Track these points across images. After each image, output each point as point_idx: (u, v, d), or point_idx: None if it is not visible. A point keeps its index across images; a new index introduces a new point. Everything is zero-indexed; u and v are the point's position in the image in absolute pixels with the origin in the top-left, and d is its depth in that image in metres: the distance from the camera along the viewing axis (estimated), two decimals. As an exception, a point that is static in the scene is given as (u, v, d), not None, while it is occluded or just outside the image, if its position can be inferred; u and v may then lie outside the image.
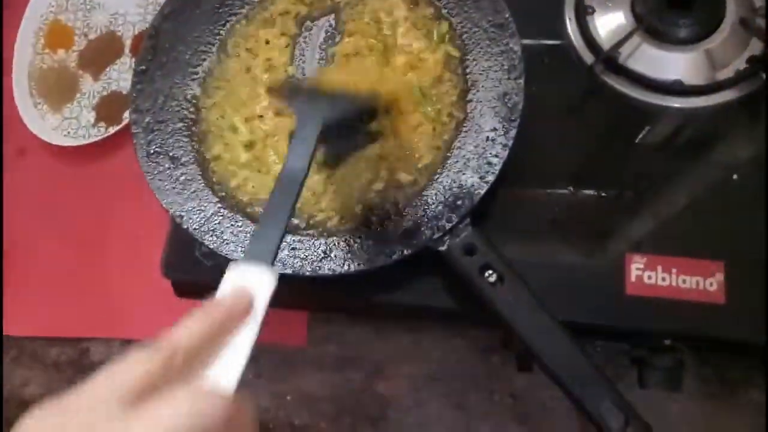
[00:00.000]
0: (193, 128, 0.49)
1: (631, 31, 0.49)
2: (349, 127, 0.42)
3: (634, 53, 0.49)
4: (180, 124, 0.49)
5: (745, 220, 0.45)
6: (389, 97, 0.46)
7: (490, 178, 0.43)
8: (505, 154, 0.43)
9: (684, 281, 0.43)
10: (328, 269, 0.43)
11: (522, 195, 0.48)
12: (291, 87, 0.48)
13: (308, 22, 0.52)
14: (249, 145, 0.48)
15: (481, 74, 0.46)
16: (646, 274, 0.44)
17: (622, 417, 0.37)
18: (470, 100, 0.46)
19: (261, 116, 0.49)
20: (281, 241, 0.32)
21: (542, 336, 0.39)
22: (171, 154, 0.48)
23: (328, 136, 0.37)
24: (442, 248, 0.42)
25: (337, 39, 0.51)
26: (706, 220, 0.45)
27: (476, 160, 0.44)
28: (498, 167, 0.43)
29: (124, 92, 0.66)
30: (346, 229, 0.44)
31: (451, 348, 0.55)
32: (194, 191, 0.47)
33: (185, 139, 0.49)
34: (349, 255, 0.43)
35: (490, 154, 0.44)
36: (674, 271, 0.44)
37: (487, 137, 0.44)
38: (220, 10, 0.52)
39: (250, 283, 0.30)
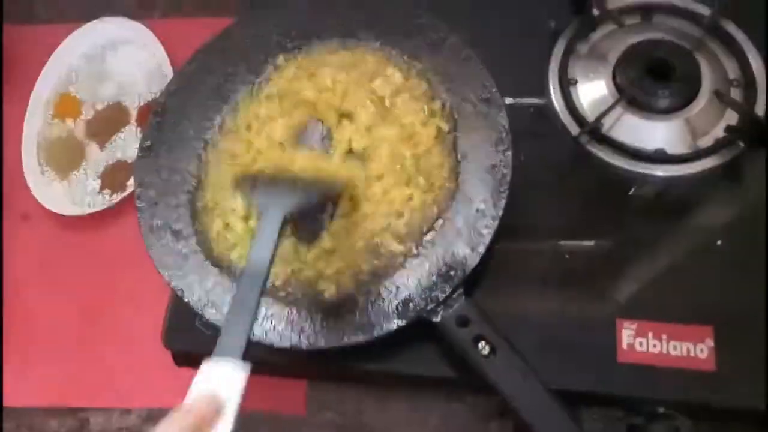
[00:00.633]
0: (196, 202, 0.51)
1: (614, 103, 0.51)
2: (316, 209, 0.43)
3: (617, 123, 0.51)
4: (183, 197, 0.51)
5: (730, 285, 0.46)
6: (348, 181, 0.46)
7: (482, 249, 0.44)
8: (495, 225, 0.45)
9: (675, 347, 0.44)
10: (325, 342, 0.44)
11: (513, 256, 0.49)
12: (251, 179, 0.48)
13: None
14: (247, 218, 0.49)
15: (470, 147, 0.48)
16: (638, 341, 0.45)
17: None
18: (460, 172, 0.48)
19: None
20: (250, 333, 0.33)
21: (535, 408, 0.40)
22: (173, 227, 0.50)
23: (298, 220, 0.38)
24: (436, 319, 0.43)
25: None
26: (692, 285, 0.47)
27: (467, 231, 0.45)
28: (488, 238, 0.45)
29: (129, 161, 0.68)
30: (341, 301, 0.45)
31: (450, 414, 0.55)
32: (195, 264, 0.48)
33: (187, 213, 0.50)
34: (345, 327, 0.44)
35: (481, 225, 0.45)
36: (664, 337, 0.45)
37: (477, 209, 0.46)
38: (223, 87, 0.54)
39: (220, 381, 0.30)
